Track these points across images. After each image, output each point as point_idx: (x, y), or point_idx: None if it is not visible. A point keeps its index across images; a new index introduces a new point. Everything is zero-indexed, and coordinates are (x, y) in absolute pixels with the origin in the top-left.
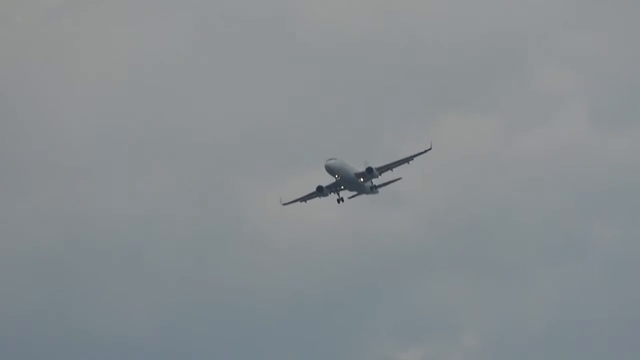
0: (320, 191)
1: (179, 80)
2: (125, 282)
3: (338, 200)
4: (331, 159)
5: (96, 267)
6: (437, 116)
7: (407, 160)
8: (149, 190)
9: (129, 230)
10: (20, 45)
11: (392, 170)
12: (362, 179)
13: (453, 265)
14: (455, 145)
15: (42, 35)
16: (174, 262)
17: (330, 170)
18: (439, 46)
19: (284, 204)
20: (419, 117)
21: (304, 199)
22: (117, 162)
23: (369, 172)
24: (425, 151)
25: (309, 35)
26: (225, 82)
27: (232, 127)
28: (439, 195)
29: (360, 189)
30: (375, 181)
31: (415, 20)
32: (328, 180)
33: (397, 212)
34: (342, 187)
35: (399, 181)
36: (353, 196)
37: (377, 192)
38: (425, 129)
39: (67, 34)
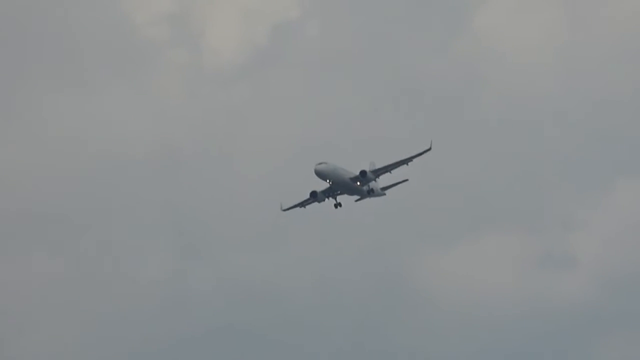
0: (314, 197)
1: None
2: None
3: (335, 206)
4: (320, 163)
5: None
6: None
7: (405, 161)
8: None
9: None
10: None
11: (390, 172)
12: (358, 183)
13: None
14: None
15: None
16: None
17: (320, 175)
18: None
19: (284, 210)
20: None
21: (302, 204)
22: None
23: (363, 176)
24: (425, 152)
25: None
26: None
27: None
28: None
29: (357, 193)
30: (373, 184)
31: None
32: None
33: (573, 275)
34: (339, 192)
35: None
36: (359, 199)
37: (385, 194)
38: (601, 193)
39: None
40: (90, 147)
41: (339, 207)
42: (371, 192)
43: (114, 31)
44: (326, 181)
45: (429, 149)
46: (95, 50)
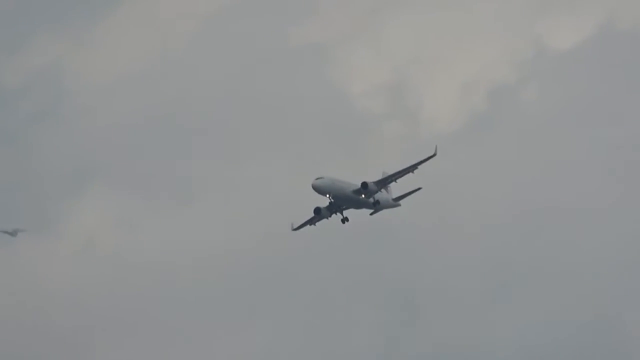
0: (318, 213)
1: None
2: None
3: (342, 221)
4: (318, 178)
5: None
6: None
7: (411, 169)
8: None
9: None
10: None
11: (395, 181)
12: (363, 196)
13: None
14: None
15: None
16: None
17: (319, 190)
18: None
19: (294, 229)
20: None
21: (311, 222)
22: None
23: (364, 188)
24: (430, 157)
25: None
26: None
27: None
28: None
29: (363, 206)
30: (379, 196)
31: None
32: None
33: None
34: (345, 206)
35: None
36: (373, 212)
37: (399, 204)
38: None
39: None
40: None
41: (346, 222)
42: (377, 204)
43: (330, 102)
44: (326, 196)
45: (434, 155)
46: (312, 122)
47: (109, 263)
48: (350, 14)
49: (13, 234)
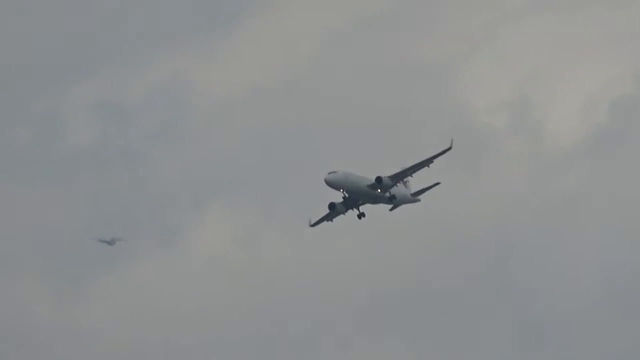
0: (333, 209)
1: None
2: None
3: (358, 216)
4: (331, 172)
5: None
6: None
7: (426, 162)
8: None
9: None
10: None
11: (411, 175)
12: (379, 190)
13: None
14: None
15: None
16: None
17: (331, 184)
18: None
19: (312, 225)
20: None
21: (328, 218)
22: None
23: (378, 182)
24: (445, 151)
25: None
26: None
27: None
28: None
29: (379, 201)
30: (395, 190)
31: None
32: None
33: None
34: (360, 201)
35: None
36: (393, 208)
37: (419, 200)
38: None
39: None
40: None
41: (362, 217)
42: (393, 199)
43: (451, 118)
44: (340, 191)
45: (450, 148)
46: (434, 138)
47: (231, 279)
48: (472, 29)
49: (111, 243)
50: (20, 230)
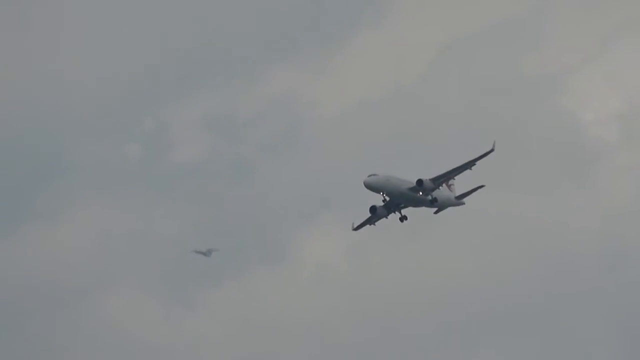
0: (374, 212)
1: None
2: None
3: (400, 219)
4: (370, 175)
5: None
6: None
7: (468, 165)
8: None
9: None
10: None
11: (454, 178)
12: (420, 193)
13: None
14: None
15: None
16: None
17: (371, 187)
18: None
19: (354, 229)
20: None
21: (370, 221)
22: None
23: (419, 185)
24: (488, 153)
25: None
26: None
27: None
28: None
29: (421, 204)
30: (438, 194)
31: None
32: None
33: None
34: (402, 204)
35: None
36: (438, 211)
37: (463, 203)
38: None
39: None
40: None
41: (404, 220)
42: (435, 202)
43: (562, 131)
44: (380, 194)
45: (492, 150)
46: (545, 150)
47: (340, 293)
48: (582, 42)
49: (207, 254)
50: (129, 241)
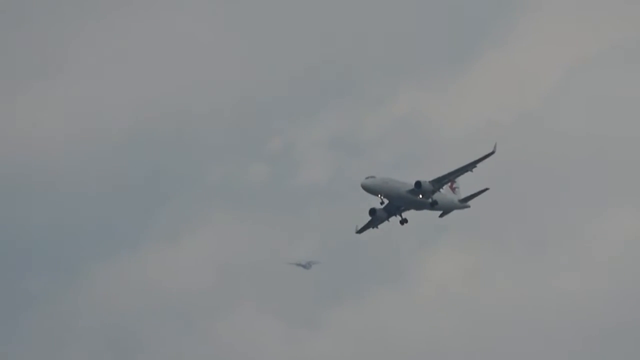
0: (373, 214)
1: None
2: None
3: (401, 222)
4: (368, 177)
5: None
6: None
7: (469, 167)
8: None
9: None
10: None
11: (455, 180)
12: (421, 196)
13: None
14: None
15: None
16: None
17: (368, 189)
18: None
19: (357, 232)
20: None
21: (372, 224)
22: None
23: (418, 187)
24: (488, 155)
25: None
26: None
27: None
28: None
29: (422, 207)
30: (438, 196)
31: None
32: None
33: None
34: (403, 207)
35: None
36: (443, 214)
37: (468, 206)
38: None
39: None
40: None
41: (405, 223)
42: (435, 204)
43: None
44: (378, 196)
45: (493, 152)
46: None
47: (463, 314)
48: None
49: (307, 266)
50: (253, 262)
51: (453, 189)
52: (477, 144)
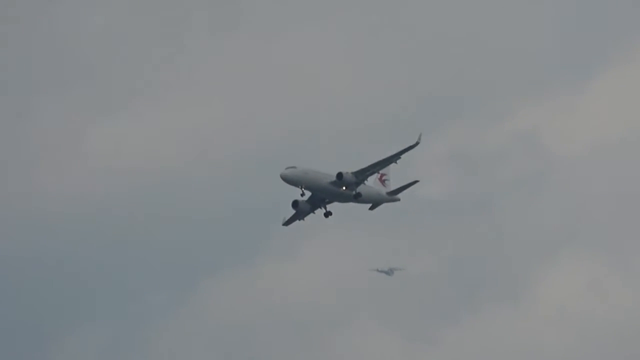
0: (296, 206)
1: None
2: None
3: (325, 215)
4: (288, 168)
5: None
6: None
7: (393, 158)
8: None
9: None
10: None
11: (378, 172)
12: (344, 187)
13: None
14: None
15: None
16: None
17: (287, 180)
18: None
19: (284, 224)
20: None
21: (298, 216)
22: None
23: (339, 178)
24: (413, 146)
25: None
26: None
27: None
28: None
29: (345, 199)
30: (362, 189)
31: None
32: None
33: None
34: (327, 199)
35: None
36: (373, 207)
37: (398, 199)
38: None
39: None
40: None
41: (329, 216)
42: (358, 196)
43: None
44: (299, 188)
45: (417, 144)
46: None
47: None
48: None
49: (389, 273)
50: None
51: (382, 182)
52: (597, 161)
